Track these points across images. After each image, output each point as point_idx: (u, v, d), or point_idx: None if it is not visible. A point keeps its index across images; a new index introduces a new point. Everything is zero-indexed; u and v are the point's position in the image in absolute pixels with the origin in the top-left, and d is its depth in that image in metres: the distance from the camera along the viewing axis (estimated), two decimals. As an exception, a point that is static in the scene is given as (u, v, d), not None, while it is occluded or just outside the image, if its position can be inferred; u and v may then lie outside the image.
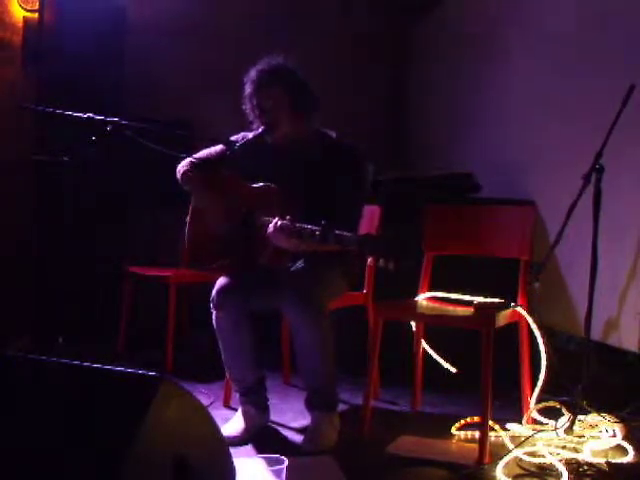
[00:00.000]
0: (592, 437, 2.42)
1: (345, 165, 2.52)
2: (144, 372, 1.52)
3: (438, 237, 2.90)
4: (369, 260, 2.89)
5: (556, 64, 3.33)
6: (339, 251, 2.38)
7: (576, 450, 2.31)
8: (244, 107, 2.57)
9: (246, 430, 2.49)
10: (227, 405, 2.83)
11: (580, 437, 2.41)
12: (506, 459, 2.23)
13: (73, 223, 3.77)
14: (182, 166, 2.68)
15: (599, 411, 2.50)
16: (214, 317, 2.51)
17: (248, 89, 2.53)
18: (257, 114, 2.53)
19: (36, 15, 3.97)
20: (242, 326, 2.50)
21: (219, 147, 2.66)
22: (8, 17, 3.94)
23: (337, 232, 2.11)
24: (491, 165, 3.84)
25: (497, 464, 2.19)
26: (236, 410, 2.62)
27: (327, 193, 2.44)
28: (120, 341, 3.57)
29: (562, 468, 2.14)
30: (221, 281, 2.53)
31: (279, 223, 2.28)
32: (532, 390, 2.59)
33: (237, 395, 2.62)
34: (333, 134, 2.61)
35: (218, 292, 2.49)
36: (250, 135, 2.57)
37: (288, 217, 2.27)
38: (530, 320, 2.57)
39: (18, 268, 3.87)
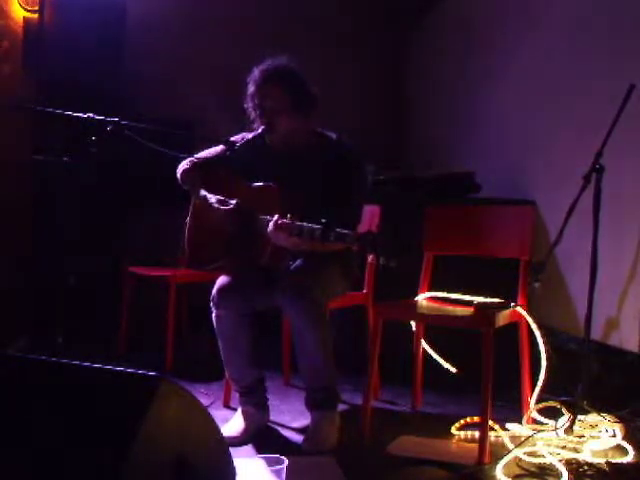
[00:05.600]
0: (592, 437, 2.41)
1: (345, 165, 2.52)
2: (144, 372, 1.51)
3: (438, 237, 2.89)
4: (370, 258, 2.89)
5: (556, 64, 3.33)
6: (339, 251, 2.38)
7: (576, 450, 2.31)
8: (246, 106, 2.57)
9: (246, 430, 2.49)
10: (227, 405, 2.83)
11: (580, 437, 2.40)
12: (506, 459, 2.23)
13: (72, 223, 3.77)
14: (182, 166, 2.69)
15: (599, 411, 2.50)
16: (214, 316, 2.52)
17: (250, 88, 2.54)
18: (258, 113, 2.54)
19: (36, 15, 3.97)
20: (242, 325, 2.51)
21: (219, 147, 2.66)
22: (8, 17, 3.93)
23: (338, 230, 2.11)
24: (491, 165, 3.84)
25: (497, 464, 2.19)
26: (236, 410, 2.62)
27: (327, 193, 2.44)
28: (120, 341, 3.57)
29: (562, 468, 2.14)
30: (221, 280, 2.54)
31: (279, 221, 2.28)
32: (532, 390, 2.59)
33: (237, 395, 2.62)
34: (333, 135, 2.61)
35: (218, 291, 2.50)
36: (250, 135, 2.57)
37: (289, 215, 2.27)
38: (530, 320, 2.57)
39: (18, 268, 3.87)
